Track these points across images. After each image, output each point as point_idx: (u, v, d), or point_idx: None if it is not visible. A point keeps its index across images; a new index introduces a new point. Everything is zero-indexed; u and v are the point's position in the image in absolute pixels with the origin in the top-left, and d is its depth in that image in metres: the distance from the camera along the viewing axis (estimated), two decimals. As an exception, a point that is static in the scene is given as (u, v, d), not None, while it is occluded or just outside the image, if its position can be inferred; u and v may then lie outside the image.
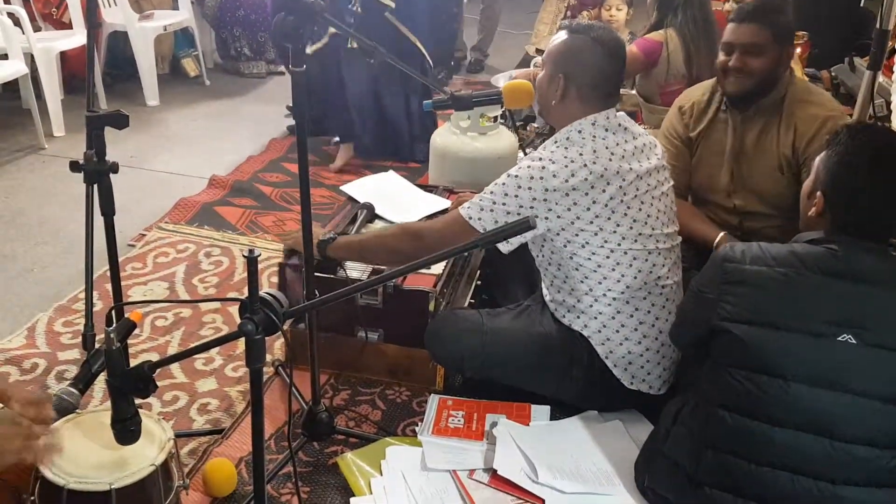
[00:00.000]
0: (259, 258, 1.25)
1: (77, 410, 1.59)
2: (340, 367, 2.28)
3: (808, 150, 2.20)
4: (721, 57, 2.28)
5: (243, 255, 1.25)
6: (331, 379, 2.28)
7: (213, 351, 2.50)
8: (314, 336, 1.89)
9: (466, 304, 2.37)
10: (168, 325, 2.67)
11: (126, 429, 1.39)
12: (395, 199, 2.63)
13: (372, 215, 2.55)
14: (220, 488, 1.78)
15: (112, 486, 1.39)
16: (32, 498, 1.46)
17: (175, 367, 2.41)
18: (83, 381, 1.66)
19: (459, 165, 2.98)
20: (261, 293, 1.25)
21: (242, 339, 1.25)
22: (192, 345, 1.65)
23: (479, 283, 2.48)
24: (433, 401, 2.08)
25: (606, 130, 1.93)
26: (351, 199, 2.69)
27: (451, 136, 3.06)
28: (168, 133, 4.44)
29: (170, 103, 4.86)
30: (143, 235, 3.24)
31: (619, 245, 1.90)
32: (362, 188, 2.71)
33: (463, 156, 2.98)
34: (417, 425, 2.03)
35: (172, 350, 2.52)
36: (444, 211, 2.57)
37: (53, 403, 1.59)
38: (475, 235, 1.84)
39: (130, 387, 1.36)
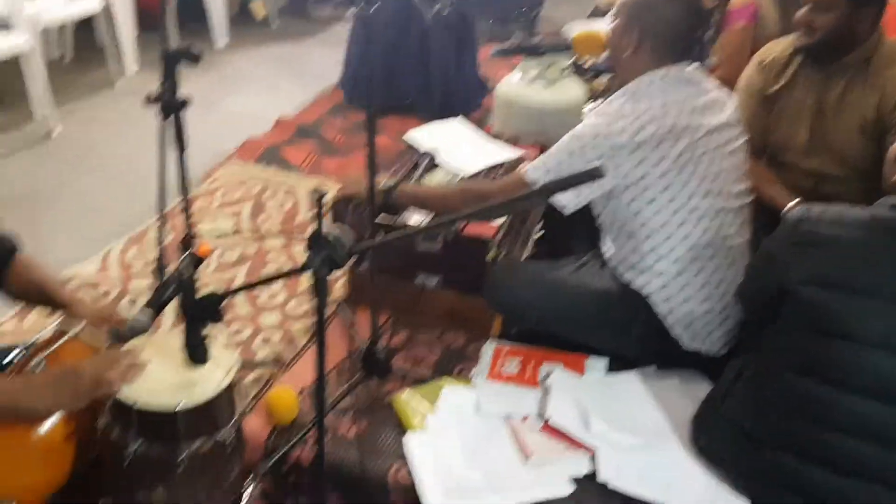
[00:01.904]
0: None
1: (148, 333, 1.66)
2: (398, 311, 2.32)
3: (895, 113, 2.11)
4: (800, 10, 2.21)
5: (311, 193, 1.27)
6: (388, 321, 2.32)
7: (277, 287, 2.57)
8: (374, 276, 1.92)
9: (525, 257, 2.36)
10: (233, 261, 2.75)
11: (196, 352, 1.46)
12: (458, 147, 2.62)
13: (432, 164, 2.56)
14: (281, 416, 1.84)
15: (180, 407, 1.45)
16: (105, 418, 1.54)
17: (240, 301, 2.48)
18: (155, 306, 1.73)
19: (525, 116, 2.94)
20: (327, 231, 1.27)
21: (307, 277, 1.27)
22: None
23: (539, 235, 2.47)
24: (489, 346, 2.09)
25: (677, 84, 1.89)
26: (411, 147, 2.69)
27: (516, 87, 3.02)
28: (236, 74, 4.49)
29: (238, 44, 4.91)
30: (211, 173, 3.31)
31: (687, 202, 1.87)
32: (427, 135, 2.70)
33: (529, 106, 2.94)
34: (472, 370, 2.06)
35: (239, 284, 2.59)
36: (511, 165, 2.55)
37: (128, 324, 1.67)
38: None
39: (201, 313, 1.41)
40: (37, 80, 3.62)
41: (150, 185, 3.18)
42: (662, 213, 1.88)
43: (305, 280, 2.61)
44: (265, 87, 4.35)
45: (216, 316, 1.39)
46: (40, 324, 2.27)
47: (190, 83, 1.92)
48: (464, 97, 3.70)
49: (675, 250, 1.91)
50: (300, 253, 2.77)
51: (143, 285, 2.59)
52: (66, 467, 1.58)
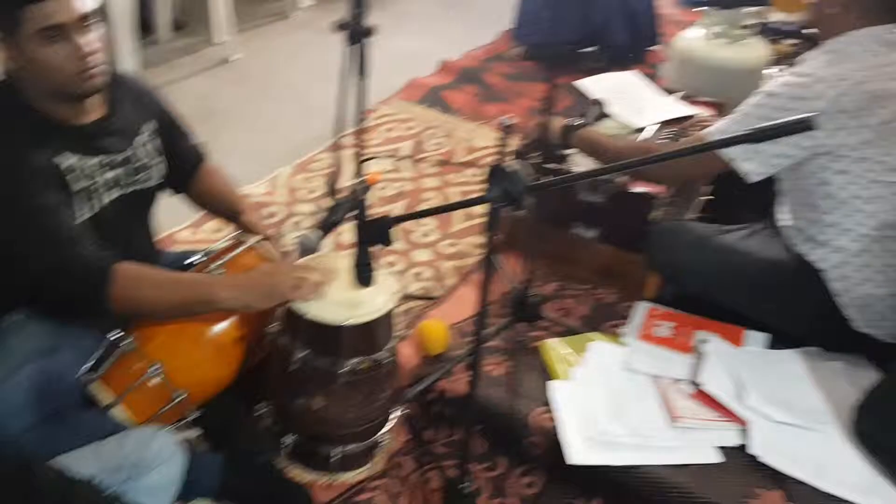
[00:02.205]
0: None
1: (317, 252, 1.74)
2: (552, 260, 2.30)
3: None
4: None
5: (500, 123, 1.26)
6: (542, 269, 2.31)
7: (432, 226, 2.62)
8: (533, 219, 1.91)
9: (690, 220, 2.28)
10: (391, 195, 2.81)
11: (364, 273, 1.50)
12: (630, 98, 2.54)
13: (601, 113, 2.49)
14: (432, 346, 1.89)
15: (346, 322, 1.51)
16: (276, 324, 1.63)
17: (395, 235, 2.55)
18: (326, 227, 1.81)
19: (702, 73, 2.81)
20: (508, 165, 1.27)
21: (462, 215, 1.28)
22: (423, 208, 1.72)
23: (707, 199, 2.37)
24: (642, 307, 2.05)
25: (884, 46, 1.73)
26: (582, 95, 2.63)
27: (696, 41, 2.88)
28: (404, 12, 4.54)
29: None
30: (375, 109, 3.39)
31: (882, 177, 1.73)
32: (598, 84, 2.63)
33: (708, 63, 2.81)
34: (622, 327, 2.02)
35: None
36: (685, 122, 2.45)
37: (299, 241, 1.75)
38: (720, 165, 1.76)
39: (372, 235, 1.46)
40: (219, 6, 3.81)
41: (319, 114, 3.32)
42: (853, 186, 1.75)
43: (457, 220, 2.65)
44: (432, 28, 4.38)
45: (386, 239, 1.43)
46: (212, 236, 2.43)
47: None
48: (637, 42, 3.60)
49: (860, 227, 1.77)
50: (454, 194, 2.80)
51: (307, 210, 2.71)
52: (235, 367, 1.69)
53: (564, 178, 1.35)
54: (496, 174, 1.26)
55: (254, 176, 2.85)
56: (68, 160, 1.51)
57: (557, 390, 1.79)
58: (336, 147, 1.99)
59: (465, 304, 2.16)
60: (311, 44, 4.00)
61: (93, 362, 1.64)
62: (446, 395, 1.82)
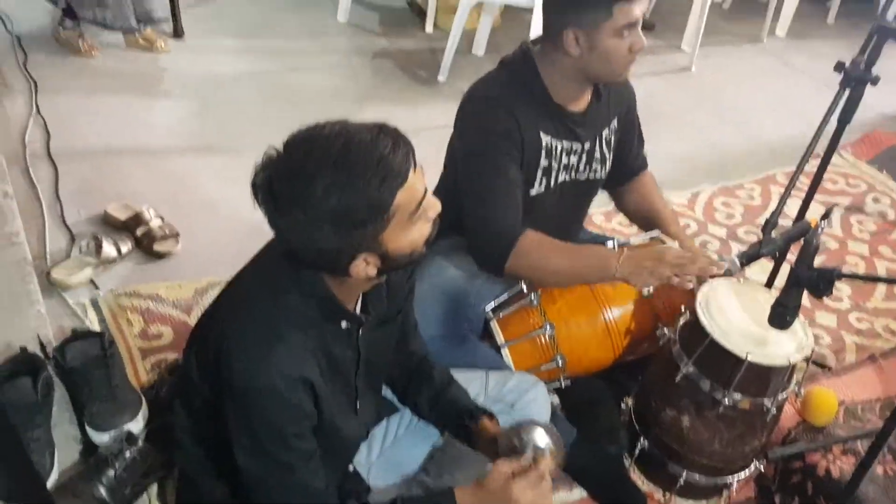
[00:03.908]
0: None
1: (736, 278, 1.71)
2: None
3: None
4: None
5: None
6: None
7: (846, 292, 2.41)
8: None
9: None
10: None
11: (782, 314, 1.44)
12: None
13: None
14: (818, 415, 1.78)
15: (748, 357, 1.48)
16: (669, 331, 1.66)
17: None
18: (748, 258, 1.76)
19: None
20: None
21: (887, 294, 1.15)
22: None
23: None
24: None
25: None
26: None
27: None
28: None
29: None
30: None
31: None
32: None
33: None
34: None
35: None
36: None
37: (725, 265, 1.74)
38: None
39: (811, 282, 1.40)
40: (695, 17, 3.84)
41: (758, 144, 3.23)
42: None
43: (876, 296, 2.40)
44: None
45: (827, 291, 1.36)
46: (624, 229, 2.52)
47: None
48: None
49: None
50: (882, 268, 2.53)
51: (720, 233, 2.67)
52: (617, 354, 1.77)
53: None
54: None
55: (678, 185, 2.87)
56: (547, 138, 1.67)
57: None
58: (793, 181, 1.90)
59: (863, 385, 1.99)
60: (773, 73, 3.87)
61: (499, 303, 1.83)
62: (817, 470, 1.70)
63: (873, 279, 1.38)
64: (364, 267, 1.12)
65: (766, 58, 4.06)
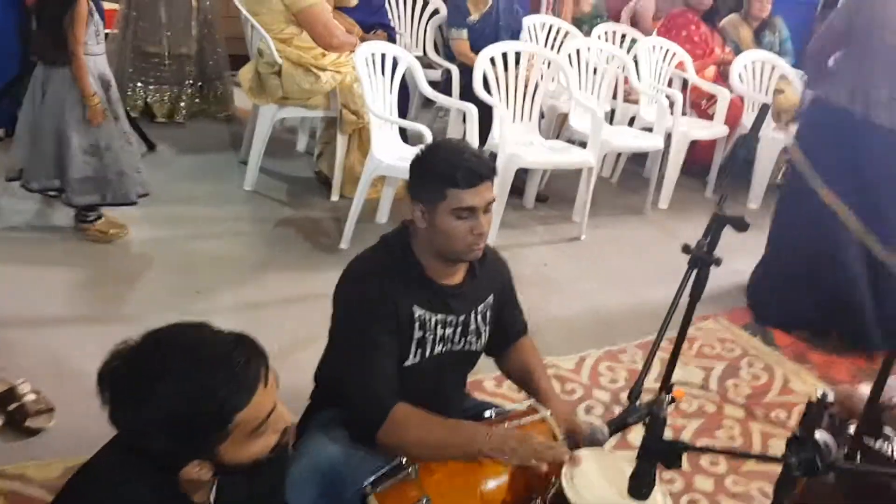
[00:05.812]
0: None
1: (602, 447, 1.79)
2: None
3: None
4: None
5: (816, 395, 1.23)
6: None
7: (720, 458, 2.50)
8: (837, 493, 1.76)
9: None
10: (689, 411, 2.77)
11: (639, 487, 1.51)
12: None
13: None
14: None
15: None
16: (540, 499, 1.70)
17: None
18: (615, 426, 1.85)
19: None
20: (819, 436, 1.24)
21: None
22: (715, 446, 1.67)
23: None
24: None
25: None
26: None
27: None
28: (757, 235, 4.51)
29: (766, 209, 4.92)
30: (696, 321, 3.39)
31: None
32: None
33: None
34: None
35: (686, 436, 2.59)
36: None
37: (587, 432, 1.81)
38: None
39: (661, 454, 1.48)
40: (584, 191, 4.15)
41: (645, 311, 3.41)
42: None
43: (751, 461, 2.50)
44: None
45: (675, 463, 1.44)
46: (514, 394, 2.59)
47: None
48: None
49: None
50: (757, 431, 2.66)
51: (603, 398, 2.77)
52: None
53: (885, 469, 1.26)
54: (803, 442, 1.24)
55: (564, 349, 3.00)
56: (419, 311, 1.77)
57: None
58: (654, 351, 2.03)
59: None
60: (658, 244, 4.15)
61: (378, 476, 1.84)
62: None
63: (719, 451, 1.47)
64: (197, 472, 1.12)
65: (649, 228, 4.38)
